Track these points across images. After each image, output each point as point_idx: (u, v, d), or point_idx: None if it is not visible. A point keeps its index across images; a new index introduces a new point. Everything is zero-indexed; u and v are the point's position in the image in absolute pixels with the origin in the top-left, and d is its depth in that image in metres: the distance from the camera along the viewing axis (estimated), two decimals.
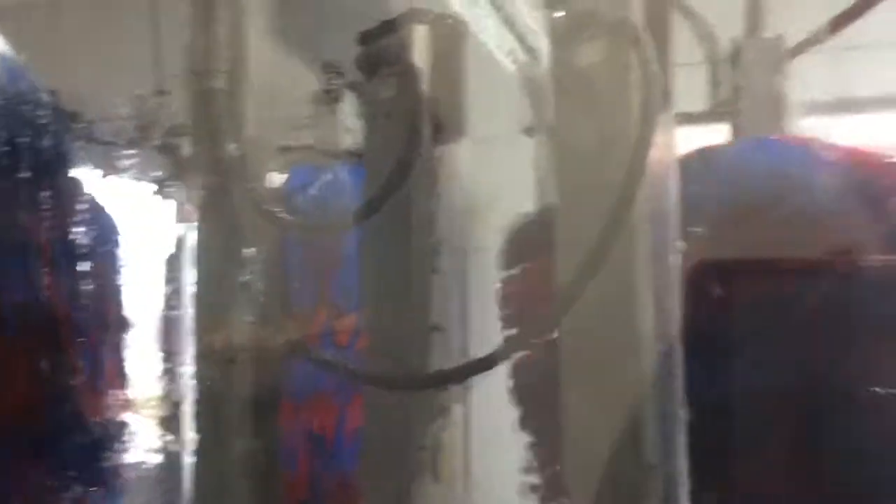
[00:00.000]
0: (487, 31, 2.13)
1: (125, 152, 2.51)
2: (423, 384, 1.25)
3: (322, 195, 2.48)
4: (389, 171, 1.20)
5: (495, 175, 2.27)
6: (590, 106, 1.12)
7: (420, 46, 1.25)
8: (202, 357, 1.30)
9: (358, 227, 1.42)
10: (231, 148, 1.26)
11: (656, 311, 1.15)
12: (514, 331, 1.56)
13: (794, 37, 1.84)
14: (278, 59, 1.70)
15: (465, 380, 1.20)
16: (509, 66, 2.41)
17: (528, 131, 2.50)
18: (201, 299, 1.36)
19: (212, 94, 1.23)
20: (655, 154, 1.11)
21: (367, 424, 1.36)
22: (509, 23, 2.10)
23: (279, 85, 1.92)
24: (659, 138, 1.11)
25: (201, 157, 1.28)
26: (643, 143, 1.03)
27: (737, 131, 1.82)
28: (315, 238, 2.44)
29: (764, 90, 1.75)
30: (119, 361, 2.71)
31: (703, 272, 1.34)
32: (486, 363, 1.14)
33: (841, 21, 1.87)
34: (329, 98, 2.33)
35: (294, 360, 1.43)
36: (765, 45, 1.78)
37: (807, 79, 1.78)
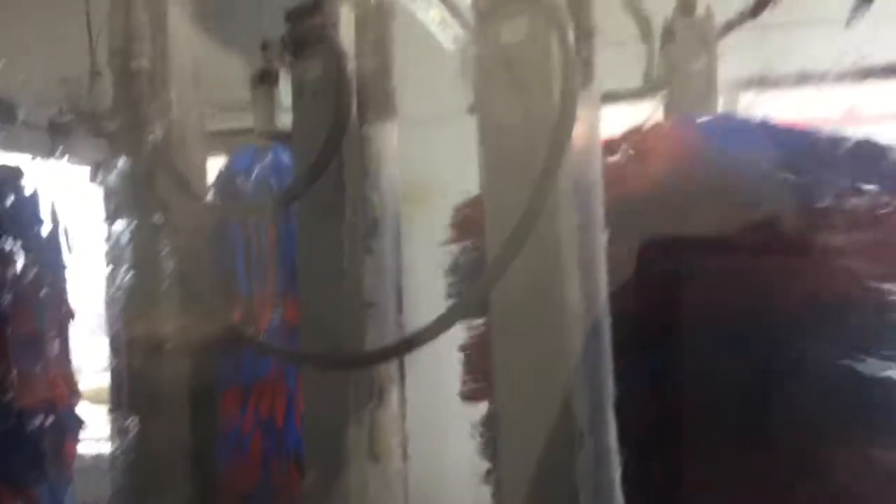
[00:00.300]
0: (429, 13, 2.12)
1: (59, 136, 2.45)
2: (354, 363, 1.26)
3: (263, 176, 2.46)
4: (317, 151, 1.20)
5: (438, 153, 2.27)
6: (514, 83, 1.13)
7: (346, 26, 1.24)
8: (130, 345, 1.29)
9: (292, 208, 1.41)
10: (156, 130, 1.24)
11: (583, 285, 1.17)
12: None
13: (722, 15, 1.88)
14: (212, 39, 1.67)
15: (396, 357, 1.21)
16: (451, 46, 2.41)
17: (472, 110, 2.50)
18: (130, 286, 1.34)
19: (133, 74, 1.21)
20: (579, 130, 1.13)
21: (307, 404, 1.36)
22: (449, 4, 2.09)
23: (215, 66, 1.89)
24: (582, 115, 1.13)
25: (126, 140, 1.27)
26: (564, 119, 1.05)
27: (669, 108, 1.85)
28: (259, 221, 2.43)
29: (695, 67, 1.78)
30: (63, 351, 2.66)
31: (654, 248, 1.36)
32: (416, 340, 1.16)
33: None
34: (267, 78, 2.30)
35: (228, 346, 1.42)
36: (695, 23, 1.82)
37: (735, 56, 1.82)
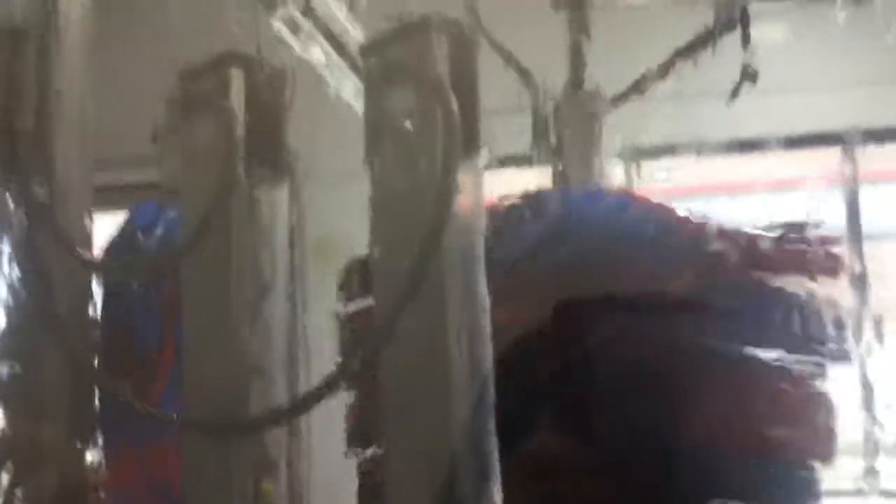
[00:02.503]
0: (344, 84, 2.18)
1: None
2: (236, 429, 1.23)
3: (167, 232, 2.41)
4: (204, 211, 1.20)
5: (338, 213, 2.29)
6: (400, 150, 1.16)
7: (237, 88, 1.25)
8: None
9: (181, 268, 1.39)
10: (39, 190, 1.22)
11: (468, 351, 1.18)
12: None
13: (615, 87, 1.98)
14: (111, 93, 1.65)
15: (281, 423, 1.19)
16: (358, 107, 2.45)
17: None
18: (8, 351, 1.29)
19: (16, 132, 1.19)
20: (462, 198, 1.16)
21: (186, 473, 1.31)
22: (355, 67, 2.15)
23: (116, 120, 1.85)
24: (466, 182, 1.17)
25: (11, 196, 1.23)
26: (445, 187, 1.08)
27: (558, 175, 1.93)
28: (157, 278, 2.36)
29: (583, 137, 1.87)
30: None
31: (569, 310, 1.39)
32: (301, 406, 1.14)
33: (658, 72, 2.03)
34: (172, 133, 2.27)
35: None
36: (584, 96, 1.91)
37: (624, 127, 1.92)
